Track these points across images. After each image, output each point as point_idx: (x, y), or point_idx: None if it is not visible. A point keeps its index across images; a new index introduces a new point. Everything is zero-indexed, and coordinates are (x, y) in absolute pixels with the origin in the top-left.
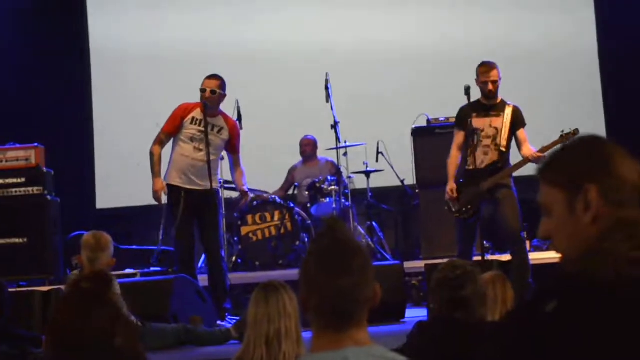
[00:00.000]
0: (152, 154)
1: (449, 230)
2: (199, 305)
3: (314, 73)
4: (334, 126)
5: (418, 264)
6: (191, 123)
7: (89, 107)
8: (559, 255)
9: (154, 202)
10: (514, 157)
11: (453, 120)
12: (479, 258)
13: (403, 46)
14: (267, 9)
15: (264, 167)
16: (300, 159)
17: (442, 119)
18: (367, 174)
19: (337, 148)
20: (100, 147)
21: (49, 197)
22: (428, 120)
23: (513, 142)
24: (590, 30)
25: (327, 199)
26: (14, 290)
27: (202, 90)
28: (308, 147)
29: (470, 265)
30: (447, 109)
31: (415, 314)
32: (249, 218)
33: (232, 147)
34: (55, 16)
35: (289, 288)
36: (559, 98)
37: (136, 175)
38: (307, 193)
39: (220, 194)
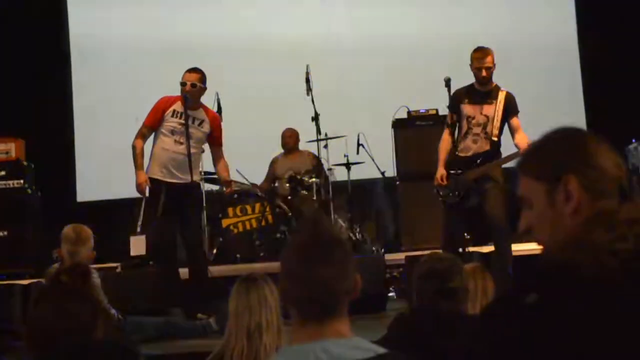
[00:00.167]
0: (134, 148)
1: (429, 222)
2: (180, 298)
3: (295, 65)
4: (315, 118)
5: (399, 256)
6: (172, 116)
7: (69, 100)
8: (540, 247)
9: (134, 195)
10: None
11: (433, 112)
12: (459, 250)
13: (383, 38)
14: (247, 1)
15: (245, 159)
16: (281, 150)
17: (423, 110)
18: (348, 166)
19: (317, 140)
20: (80, 140)
21: (29, 190)
22: (409, 112)
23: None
24: (571, 22)
25: (308, 191)
26: None
27: (182, 84)
28: (290, 139)
29: (453, 257)
30: (428, 101)
31: (396, 305)
32: (230, 210)
33: (214, 139)
34: (35, 9)
35: (269, 280)
36: (538, 90)
37: (116, 168)
38: (287, 185)
39: (202, 187)
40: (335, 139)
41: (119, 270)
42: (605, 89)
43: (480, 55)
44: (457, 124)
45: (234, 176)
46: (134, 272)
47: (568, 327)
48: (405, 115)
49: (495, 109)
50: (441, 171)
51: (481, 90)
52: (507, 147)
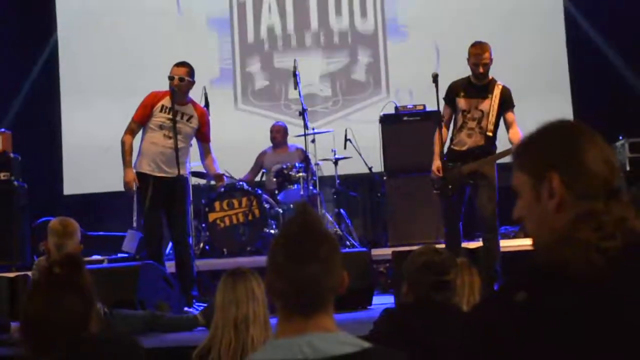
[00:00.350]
0: (123, 143)
1: (416, 218)
2: (166, 292)
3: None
4: (302, 113)
5: (385, 251)
6: (160, 111)
7: (56, 92)
8: (529, 240)
9: (121, 189)
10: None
11: (421, 107)
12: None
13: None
14: None
15: (232, 154)
16: (270, 144)
17: (410, 106)
18: (335, 161)
19: (305, 135)
20: (67, 133)
21: (16, 182)
22: (396, 108)
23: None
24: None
25: (295, 186)
26: None
27: (171, 78)
28: (278, 134)
29: (448, 251)
30: (415, 96)
31: (382, 300)
32: (217, 204)
33: (202, 135)
34: (21, 1)
35: (256, 274)
36: (524, 65)
37: (103, 161)
38: (275, 179)
39: (189, 182)
40: (323, 134)
41: (105, 263)
42: (592, 87)
43: (477, 50)
44: (453, 117)
45: (230, 164)
46: (120, 264)
47: (557, 325)
48: (393, 111)
49: (491, 104)
50: (437, 163)
51: (477, 84)
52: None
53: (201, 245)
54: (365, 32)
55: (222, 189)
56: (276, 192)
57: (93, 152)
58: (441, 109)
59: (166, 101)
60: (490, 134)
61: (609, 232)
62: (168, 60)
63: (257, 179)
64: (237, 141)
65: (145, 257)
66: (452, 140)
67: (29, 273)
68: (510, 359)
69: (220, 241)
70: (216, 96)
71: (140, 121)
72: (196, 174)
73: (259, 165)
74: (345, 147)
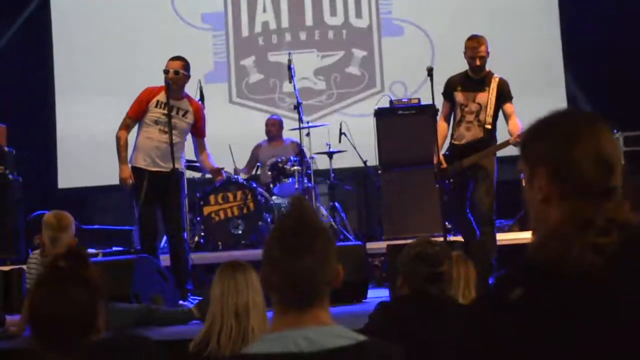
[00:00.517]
0: (118, 139)
1: (411, 211)
2: (161, 285)
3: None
4: (297, 107)
5: (380, 245)
6: (156, 106)
7: (50, 86)
8: (528, 232)
9: (115, 182)
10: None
11: (415, 101)
12: (441, 239)
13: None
14: None
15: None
16: (265, 137)
17: (405, 100)
18: (330, 154)
19: (299, 128)
20: (62, 126)
21: (10, 176)
22: (391, 102)
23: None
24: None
25: (290, 179)
26: None
27: (166, 72)
28: (273, 128)
29: (442, 243)
30: (409, 90)
31: (377, 294)
32: (211, 198)
33: (197, 130)
34: None
35: (253, 268)
36: (518, 58)
37: (98, 155)
38: (269, 173)
39: (184, 176)
40: (318, 128)
41: (100, 256)
42: (588, 81)
43: (474, 44)
44: (452, 111)
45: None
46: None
47: (553, 323)
48: (387, 104)
49: (488, 97)
50: (438, 157)
51: (474, 77)
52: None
53: (196, 238)
54: (360, 27)
55: (219, 184)
56: (271, 185)
57: (87, 145)
58: (436, 102)
59: (161, 96)
60: (488, 126)
61: (601, 229)
62: (163, 54)
63: (253, 172)
64: (231, 135)
65: (140, 250)
66: (452, 135)
67: (24, 267)
68: (507, 356)
69: (215, 235)
70: (211, 90)
71: (136, 117)
72: (191, 167)
73: (254, 158)
74: (340, 141)
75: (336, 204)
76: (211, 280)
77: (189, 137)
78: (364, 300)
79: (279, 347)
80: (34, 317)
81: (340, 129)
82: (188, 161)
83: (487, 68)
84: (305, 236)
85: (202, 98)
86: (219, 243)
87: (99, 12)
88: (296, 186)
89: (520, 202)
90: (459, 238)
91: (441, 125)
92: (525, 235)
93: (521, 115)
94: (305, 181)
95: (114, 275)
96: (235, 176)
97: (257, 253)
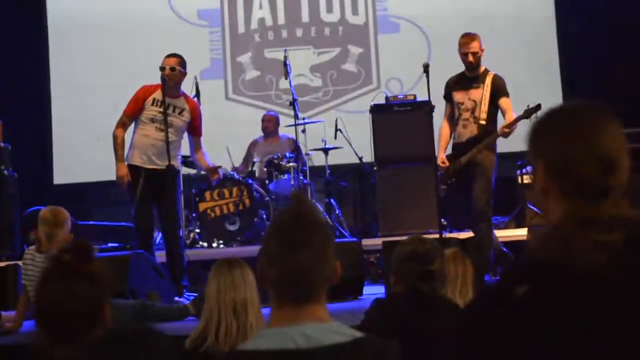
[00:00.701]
0: (115, 137)
1: (406, 208)
2: (157, 281)
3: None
4: (293, 103)
5: (376, 241)
6: (152, 104)
7: (46, 81)
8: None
9: (111, 178)
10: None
11: (411, 97)
12: (437, 235)
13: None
14: None
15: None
16: (261, 134)
17: (401, 96)
18: (326, 151)
19: (295, 125)
20: (57, 122)
21: (6, 171)
22: (387, 98)
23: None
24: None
25: (286, 176)
26: None
27: (162, 69)
28: (270, 124)
29: (434, 241)
30: (405, 86)
31: (373, 290)
32: (207, 194)
33: (194, 128)
34: None
35: (248, 265)
36: (515, 54)
37: (94, 151)
38: (265, 169)
39: (180, 173)
40: (314, 124)
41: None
42: (584, 77)
43: (465, 40)
44: (452, 112)
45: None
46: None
47: (557, 321)
48: (383, 101)
49: (483, 93)
50: (440, 156)
51: (470, 76)
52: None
53: (191, 235)
54: (356, 24)
55: (216, 182)
56: (267, 181)
57: (83, 141)
58: (432, 99)
59: (158, 94)
60: (483, 122)
61: (605, 226)
62: (159, 50)
63: (249, 169)
64: (227, 131)
65: (135, 247)
66: (454, 135)
67: (19, 262)
68: (509, 354)
69: (211, 231)
70: (207, 86)
71: (132, 115)
72: (187, 164)
73: (250, 154)
74: (335, 137)
75: (332, 200)
76: (207, 276)
77: (185, 135)
78: (359, 297)
79: (276, 343)
80: (40, 312)
81: (336, 126)
82: (183, 157)
83: (483, 66)
84: (303, 231)
85: (197, 94)
86: (215, 239)
87: (95, 8)
88: (292, 182)
89: (517, 199)
90: (455, 235)
91: (444, 126)
92: (521, 232)
93: (515, 96)
94: (301, 177)
95: (109, 271)
96: (231, 172)
97: (252, 249)
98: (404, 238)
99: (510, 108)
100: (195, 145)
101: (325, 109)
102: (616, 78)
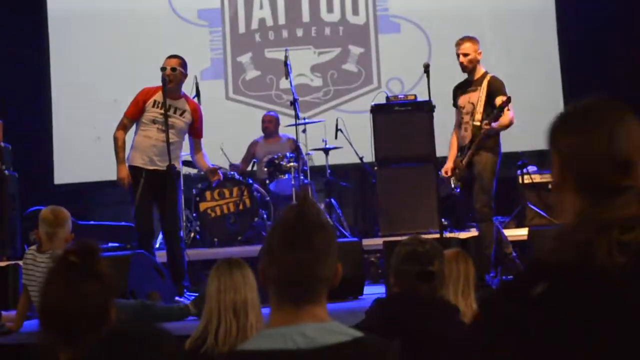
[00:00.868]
0: (116, 139)
1: (407, 208)
2: (157, 281)
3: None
4: (293, 103)
5: (376, 241)
6: (153, 106)
7: (47, 81)
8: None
9: (111, 178)
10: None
11: (412, 97)
12: (437, 235)
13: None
14: None
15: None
16: (261, 134)
17: (402, 96)
18: (326, 151)
19: (295, 125)
20: (58, 121)
21: (6, 171)
22: (387, 98)
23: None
24: None
25: (286, 176)
26: None
27: (163, 69)
28: (270, 124)
29: (434, 241)
30: (406, 86)
31: (373, 290)
32: (208, 194)
33: (195, 130)
34: None
35: (248, 265)
36: (515, 53)
37: (94, 151)
38: (266, 169)
39: (181, 174)
40: (314, 124)
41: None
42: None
43: (459, 42)
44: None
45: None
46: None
47: (581, 320)
48: (384, 101)
49: (479, 95)
50: (445, 166)
51: (470, 79)
52: (508, 136)
53: (192, 234)
54: (357, 24)
55: (216, 184)
56: (267, 181)
57: (84, 141)
58: (433, 99)
59: (158, 96)
60: (477, 123)
61: (624, 226)
62: (159, 51)
63: (248, 168)
64: (227, 131)
65: (136, 247)
66: (459, 139)
67: (20, 262)
68: (526, 351)
69: (211, 231)
70: (207, 86)
71: (133, 117)
72: (188, 163)
73: (250, 154)
74: (336, 137)
75: (332, 200)
76: (207, 276)
77: (186, 136)
78: (360, 297)
79: (276, 343)
80: (45, 313)
81: (337, 126)
82: (183, 155)
83: (483, 69)
84: (304, 231)
85: (197, 94)
86: (215, 239)
87: (96, 8)
88: (292, 182)
89: (517, 199)
90: (455, 235)
91: (453, 135)
92: (522, 232)
93: (515, 96)
94: (302, 177)
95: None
96: (231, 172)
97: (253, 249)
98: (404, 238)
99: (507, 108)
100: (196, 146)
101: (326, 108)
102: (616, 71)
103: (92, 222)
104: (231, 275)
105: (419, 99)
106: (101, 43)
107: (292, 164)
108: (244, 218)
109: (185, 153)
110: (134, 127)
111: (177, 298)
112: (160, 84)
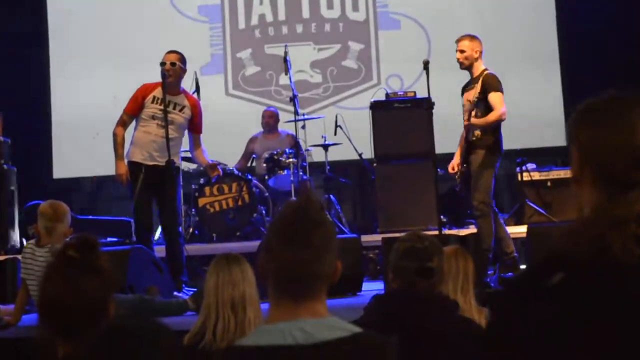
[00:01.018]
0: (115, 136)
1: (406, 204)
2: (156, 276)
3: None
4: (293, 99)
5: (375, 238)
6: (152, 102)
7: (46, 75)
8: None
9: (110, 173)
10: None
11: (412, 94)
12: (436, 232)
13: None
14: None
15: (222, 139)
16: (260, 129)
17: (401, 93)
18: (325, 147)
19: (295, 121)
20: (57, 116)
21: (5, 166)
22: (387, 94)
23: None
24: None
25: (285, 172)
26: None
27: (162, 64)
28: (270, 120)
29: (433, 238)
30: (406, 83)
31: (372, 287)
32: (207, 189)
33: (194, 126)
34: None
35: (246, 260)
36: (514, 48)
37: (93, 145)
38: (265, 165)
39: (180, 169)
40: (314, 120)
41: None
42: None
43: (458, 39)
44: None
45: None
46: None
47: (593, 311)
48: (383, 97)
49: (474, 93)
50: (452, 162)
51: (471, 78)
52: (507, 134)
53: (191, 230)
54: (357, 20)
55: (215, 179)
56: (266, 177)
57: (83, 136)
58: (432, 96)
59: (157, 92)
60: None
61: (637, 220)
62: (158, 46)
63: (247, 164)
64: (227, 127)
65: (135, 241)
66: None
67: (19, 256)
68: (544, 342)
69: (210, 226)
70: (207, 82)
71: (132, 113)
72: (187, 159)
73: (249, 150)
74: (335, 134)
75: (331, 196)
76: (205, 271)
77: (185, 132)
78: (358, 293)
79: (274, 339)
80: (44, 307)
81: (336, 122)
82: (182, 151)
83: (483, 67)
84: (303, 227)
85: (197, 89)
86: (214, 234)
87: (96, 3)
88: (291, 178)
89: (516, 196)
90: (454, 231)
91: (462, 133)
92: (521, 230)
93: (515, 94)
94: (301, 173)
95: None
96: (230, 168)
97: (251, 245)
98: (403, 234)
99: (497, 103)
100: (195, 142)
101: (325, 105)
102: (616, 71)
103: (90, 217)
104: (229, 271)
105: (419, 95)
106: (101, 38)
107: (291, 160)
108: (243, 214)
109: (184, 149)
110: (133, 123)
111: (175, 293)
112: (159, 79)
